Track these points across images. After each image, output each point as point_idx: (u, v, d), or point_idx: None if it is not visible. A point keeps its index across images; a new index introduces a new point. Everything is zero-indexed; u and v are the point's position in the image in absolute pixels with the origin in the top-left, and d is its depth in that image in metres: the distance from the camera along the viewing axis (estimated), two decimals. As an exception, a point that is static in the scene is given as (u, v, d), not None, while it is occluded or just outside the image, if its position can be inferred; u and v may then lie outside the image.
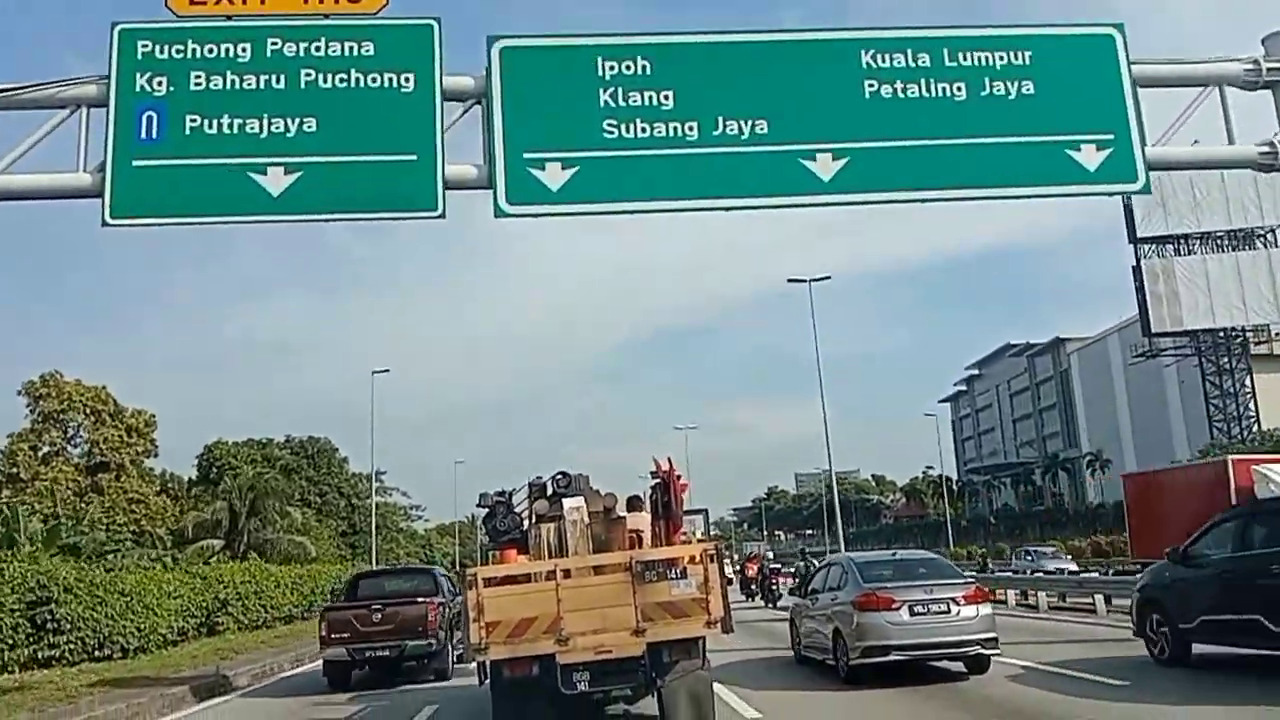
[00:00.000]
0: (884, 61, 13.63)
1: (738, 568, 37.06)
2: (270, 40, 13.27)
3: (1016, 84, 13.67)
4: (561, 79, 13.50)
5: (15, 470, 45.94)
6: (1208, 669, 12.21)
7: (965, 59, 13.70)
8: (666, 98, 13.34)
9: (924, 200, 13.79)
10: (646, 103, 13.31)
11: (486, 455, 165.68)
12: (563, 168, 13.17)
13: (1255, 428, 75.08)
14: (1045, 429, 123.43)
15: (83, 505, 42.30)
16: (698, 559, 9.62)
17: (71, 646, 20.29)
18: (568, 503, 10.54)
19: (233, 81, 13.21)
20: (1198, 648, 12.57)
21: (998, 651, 12.78)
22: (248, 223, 13.67)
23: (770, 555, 40.46)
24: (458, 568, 43.09)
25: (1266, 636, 10.93)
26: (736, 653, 15.98)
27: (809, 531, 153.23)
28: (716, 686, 11.39)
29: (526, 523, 11.08)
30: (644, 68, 13.43)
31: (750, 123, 13.34)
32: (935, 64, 13.64)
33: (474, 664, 10.14)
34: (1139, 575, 15.89)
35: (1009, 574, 36.39)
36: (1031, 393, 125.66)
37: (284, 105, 13.15)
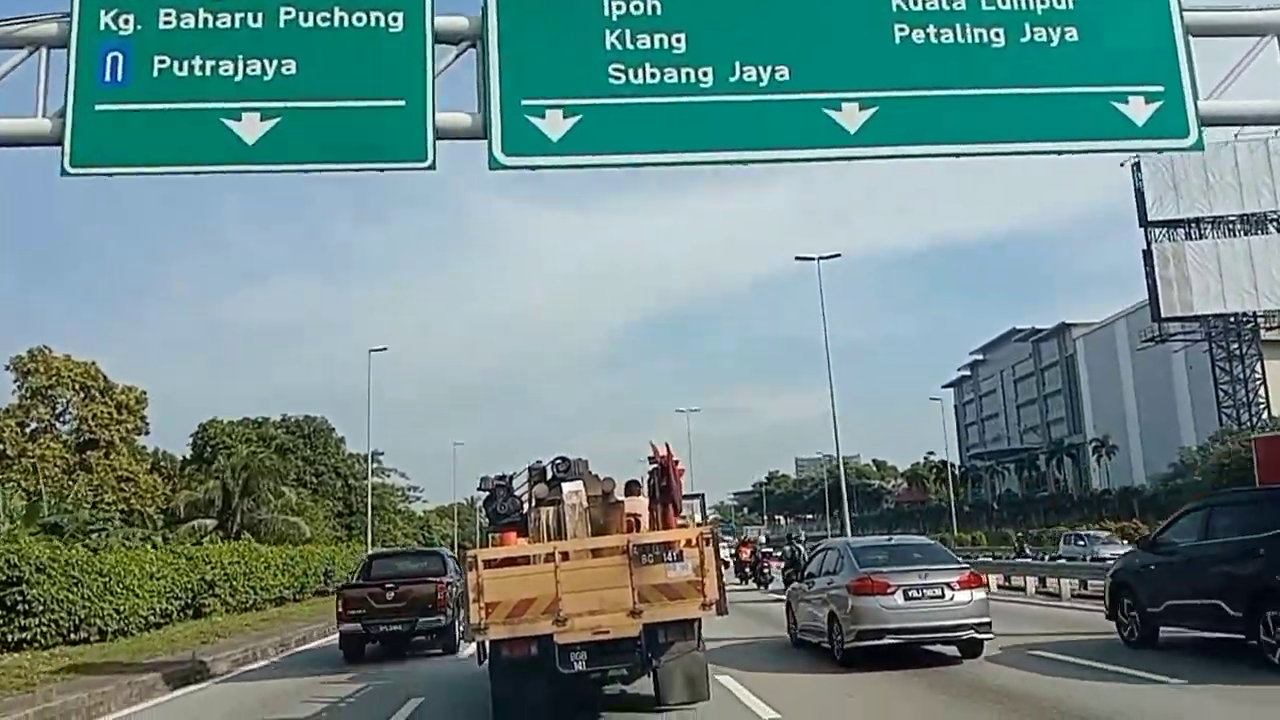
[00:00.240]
0: (916, 4, 12.42)
1: (733, 552, 37.18)
2: (247, -26, 12.14)
3: (1059, 30, 12.49)
4: (564, 19, 12.35)
5: (2, 447, 44.92)
6: (1173, 650, 12.73)
7: (1004, 3, 12.51)
8: (679, 41, 12.18)
9: (958, 154, 12.69)
10: (656, 46, 12.15)
11: (485, 439, 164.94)
12: (564, 116, 12.03)
13: (1265, 414, 74.12)
14: (1049, 415, 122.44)
15: (70, 483, 41.21)
16: (694, 543, 9.74)
17: (44, 629, 19.30)
18: (567, 487, 10.69)
19: (205, 20, 12.07)
20: (1165, 631, 13.11)
21: (990, 636, 12.89)
22: (219, 172, 12.56)
23: (763, 540, 41.38)
24: (458, 550, 42.33)
25: (1225, 621, 11.48)
26: (734, 636, 15.99)
27: (809, 516, 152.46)
28: (731, 683, 11.22)
29: (526, 506, 11.20)
30: (654, 8, 12.24)
31: (770, 69, 12.17)
32: (971, 8, 12.44)
33: (474, 643, 10.22)
34: (1113, 562, 17.10)
35: (1052, 560, 34.83)
36: (1036, 378, 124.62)
37: (261, 46, 12.02)
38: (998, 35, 12.41)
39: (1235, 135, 64.31)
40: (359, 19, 12.21)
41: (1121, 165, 77.14)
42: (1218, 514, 12.79)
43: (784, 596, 24.87)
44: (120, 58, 12.05)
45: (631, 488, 11.31)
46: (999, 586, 26.96)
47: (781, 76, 12.16)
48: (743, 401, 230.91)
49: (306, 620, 27.51)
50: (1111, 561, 20.40)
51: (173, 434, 71.39)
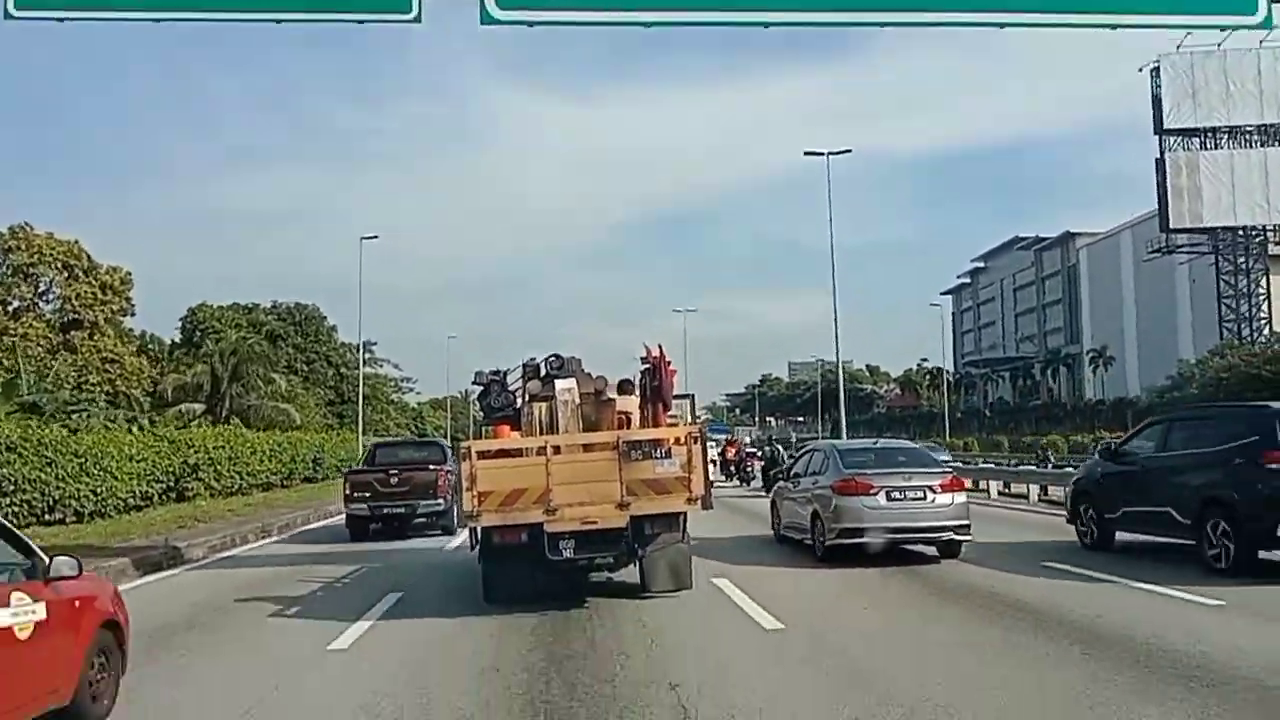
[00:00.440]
0: None
1: (719, 451, 37.81)
2: None
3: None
4: None
5: (-18, 325, 43.99)
6: (1127, 553, 13.35)
7: None
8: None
9: (999, 24, 11.48)
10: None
11: (481, 332, 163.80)
12: (563, -35, 10.88)
13: (1267, 329, 73.50)
14: (1047, 325, 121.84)
15: (53, 363, 40.33)
16: (682, 441, 9.98)
17: (16, 509, 18.63)
18: (559, 384, 10.86)
19: None
20: (1120, 536, 13.76)
21: (969, 538, 13.17)
22: (179, 20, 11.37)
23: (748, 440, 42.49)
24: (452, 441, 41.99)
25: (1174, 526, 12.25)
26: (720, 532, 16.26)
27: (800, 419, 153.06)
28: (728, 588, 10.75)
29: (519, 401, 11.35)
30: None
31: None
32: None
33: (467, 529, 10.55)
34: (1075, 470, 18.03)
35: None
36: (1037, 287, 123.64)
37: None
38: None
39: (1260, 41, 62.02)
40: None
41: (1140, 70, 75.03)
42: (1176, 428, 13.45)
43: (763, 493, 26.77)
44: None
45: (624, 386, 11.34)
46: (999, 493, 26.98)
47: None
48: (739, 304, 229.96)
49: (291, 507, 27.03)
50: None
51: (163, 319, 70.43)
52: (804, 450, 17.98)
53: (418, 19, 10.97)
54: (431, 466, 19.39)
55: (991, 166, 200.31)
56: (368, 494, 18.92)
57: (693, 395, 14.30)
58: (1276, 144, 72.60)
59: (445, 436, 70.05)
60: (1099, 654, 7.41)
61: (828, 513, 13.24)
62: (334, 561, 15.09)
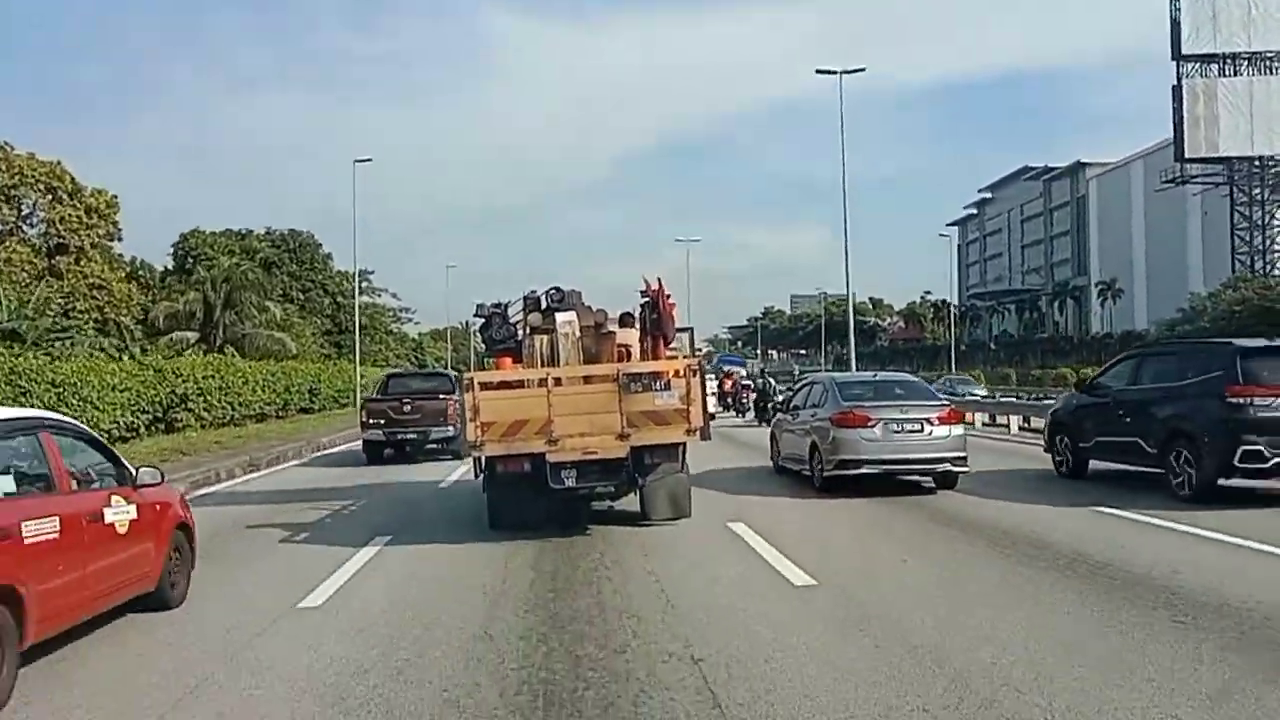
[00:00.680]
0: None
1: (717, 383, 38.28)
2: None
3: None
4: None
5: (-38, 250, 42.56)
6: (1099, 480, 13.95)
7: None
8: None
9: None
10: None
11: (480, 264, 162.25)
12: None
13: (1280, 261, 72.24)
14: (1054, 257, 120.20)
15: (38, 287, 39.01)
16: (681, 373, 10.07)
17: (-14, 440, 17.58)
18: (560, 316, 10.94)
19: None
20: (1093, 465, 14.38)
21: (966, 469, 13.29)
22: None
23: (743, 373, 42.59)
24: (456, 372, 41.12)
25: (1143, 455, 12.80)
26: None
27: (803, 351, 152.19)
28: (753, 539, 9.75)
29: (521, 334, 11.40)
30: None
31: None
32: None
33: (471, 458, 10.70)
34: (1054, 401, 19.13)
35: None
36: (1044, 218, 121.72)
37: None
38: None
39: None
40: None
41: (1161, -6, 72.83)
42: (1147, 362, 14.05)
43: (754, 422, 29.99)
44: None
45: (624, 319, 11.43)
46: (983, 424, 27.89)
47: None
48: (742, 236, 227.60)
49: (283, 439, 26.08)
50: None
51: (156, 248, 68.85)
52: (803, 383, 18.10)
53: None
54: (441, 396, 20.49)
55: (1000, 97, 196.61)
56: (383, 421, 20.37)
57: (692, 328, 14.04)
58: (1298, 71, 70.52)
59: (446, 368, 69.19)
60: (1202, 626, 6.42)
61: (826, 444, 13.39)
62: (319, 499, 14.10)
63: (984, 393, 42.00)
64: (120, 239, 48.99)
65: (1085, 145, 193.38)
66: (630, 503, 10.95)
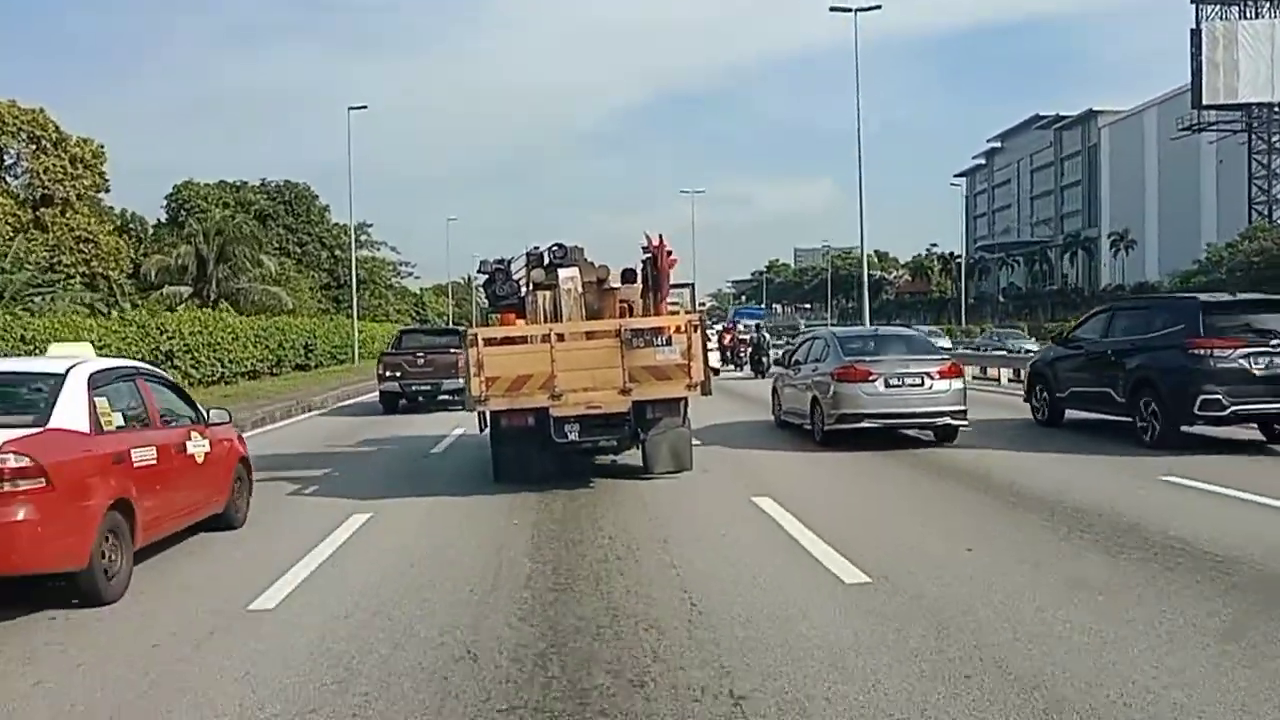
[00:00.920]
0: None
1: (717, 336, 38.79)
2: None
3: None
4: None
5: (-58, 201, 41.01)
6: (1074, 428, 14.76)
7: None
8: None
9: None
10: None
11: (482, 218, 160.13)
12: None
13: (1297, 212, 70.48)
14: (1065, 207, 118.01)
15: (25, 242, 37.57)
16: (682, 329, 10.19)
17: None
18: (563, 273, 10.96)
19: None
20: (1068, 414, 15.12)
21: (965, 423, 13.49)
22: None
23: (741, 328, 44.28)
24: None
25: (1113, 405, 13.55)
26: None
27: (807, 305, 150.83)
28: (785, 518, 8.45)
29: (523, 290, 11.42)
30: None
31: None
32: None
33: (475, 412, 10.76)
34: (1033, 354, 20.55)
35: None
36: (1055, 168, 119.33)
37: None
38: None
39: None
40: None
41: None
42: (1118, 316, 14.65)
43: (750, 375, 31.28)
44: None
45: (626, 275, 11.48)
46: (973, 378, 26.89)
47: None
48: (746, 188, 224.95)
49: (271, 398, 24.85)
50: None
51: (152, 202, 67.19)
52: (805, 337, 18.24)
53: None
54: (452, 350, 21.20)
55: (1012, 44, 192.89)
56: (398, 373, 21.95)
57: (693, 284, 14.03)
58: (1324, 13, 68.29)
59: (448, 323, 67.99)
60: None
61: (827, 399, 13.49)
62: (299, 466, 12.85)
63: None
64: (108, 190, 47.44)
65: (1098, 94, 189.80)
66: (638, 472, 10.86)
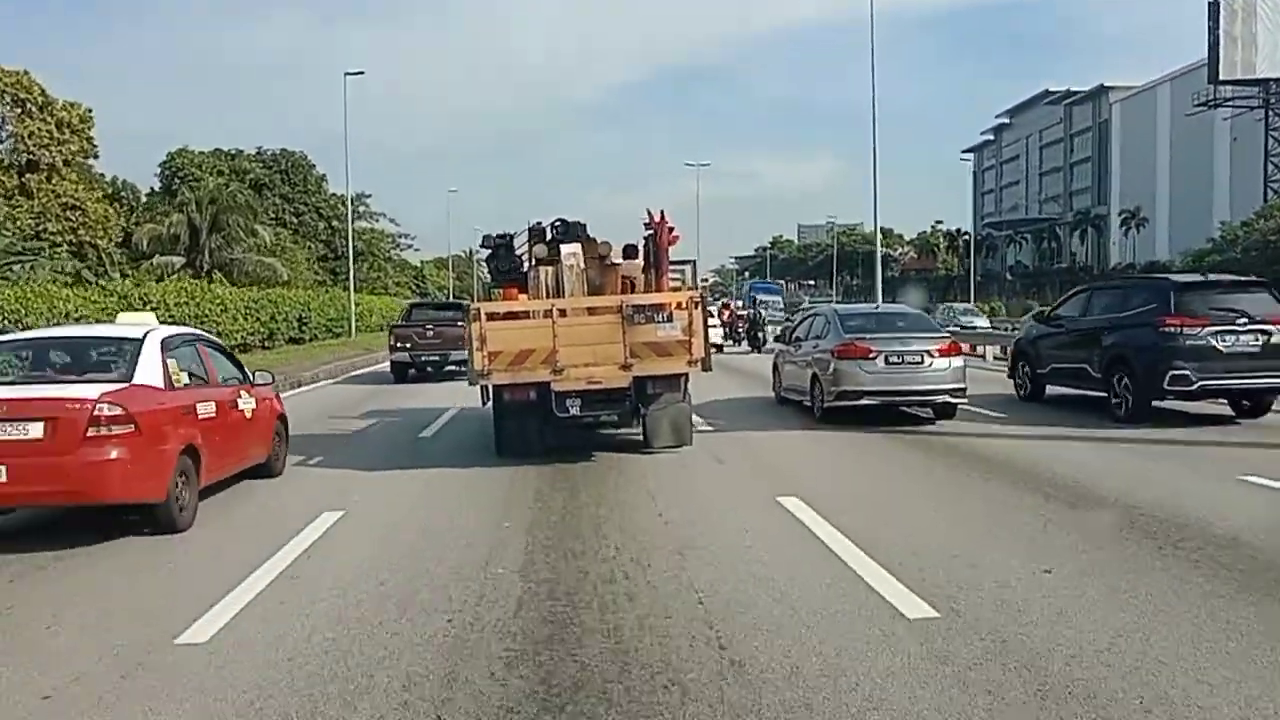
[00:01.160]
0: None
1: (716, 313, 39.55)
2: None
3: None
4: None
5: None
6: (1054, 403, 15.27)
7: None
8: None
9: None
10: None
11: (480, 190, 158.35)
12: None
13: (1316, 190, 69.02)
14: (1074, 185, 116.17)
15: (10, 209, 36.28)
16: (684, 305, 10.24)
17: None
18: (565, 248, 11.01)
19: None
20: (1049, 390, 15.65)
21: (964, 401, 13.60)
22: None
23: (740, 304, 45.15)
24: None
25: (1090, 380, 14.07)
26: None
27: (811, 282, 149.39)
28: (823, 529, 7.18)
29: (526, 265, 11.61)
30: None
31: None
32: None
33: (478, 386, 10.75)
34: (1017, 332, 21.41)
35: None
36: (1065, 144, 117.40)
37: None
38: None
39: None
40: None
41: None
42: (1096, 295, 15.27)
43: (747, 350, 32.13)
44: None
45: (628, 251, 11.61)
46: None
47: None
48: (749, 164, 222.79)
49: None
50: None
51: (147, 171, 65.67)
52: (805, 314, 18.49)
53: None
54: (459, 324, 21.56)
55: (1020, 19, 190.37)
56: (408, 344, 23.14)
57: (694, 261, 13.58)
58: (1347, -15, 66.60)
59: (449, 297, 66.82)
60: None
61: (827, 376, 13.58)
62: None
63: (985, 323, 40.98)
64: (97, 156, 46.03)
65: (1109, 70, 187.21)
66: (643, 462, 10.42)
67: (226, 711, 4.15)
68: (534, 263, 11.35)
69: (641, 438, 11.03)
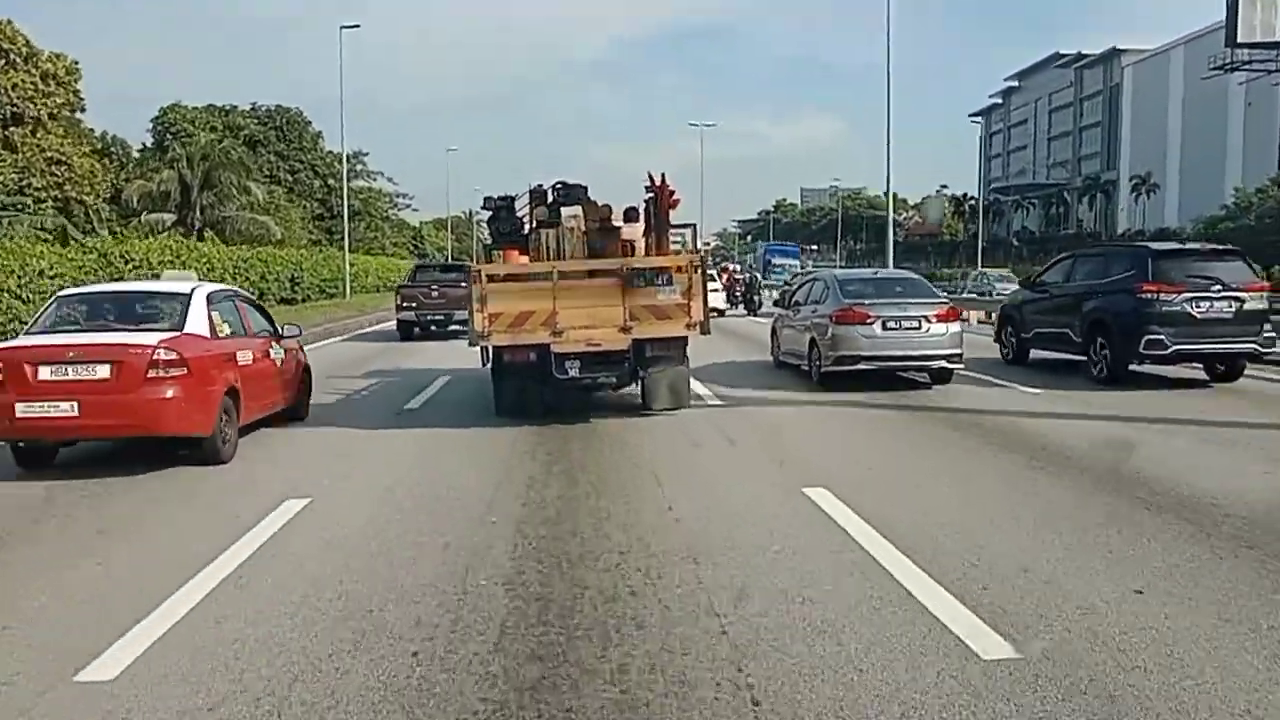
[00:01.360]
0: None
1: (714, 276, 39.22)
2: None
3: None
4: None
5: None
6: (1038, 366, 15.60)
7: None
8: None
9: None
10: None
11: (479, 148, 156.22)
12: None
13: (1333, 158, 67.45)
14: (1083, 149, 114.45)
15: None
16: (684, 269, 10.37)
17: None
18: (566, 211, 11.10)
19: None
20: (1033, 353, 16.07)
21: (961, 366, 13.66)
22: None
23: (737, 268, 45.94)
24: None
25: (1071, 344, 14.53)
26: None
27: (814, 246, 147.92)
28: (861, 530, 6.14)
29: (527, 227, 11.59)
30: None
31: None
32: None
33: (479, 347, 10.87)
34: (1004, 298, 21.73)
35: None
36: (1074, 109, 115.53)
37: None
38: None
39: None
40: None
41: None
42: (1079, 262, 15.55)
43: (742, 313, 32.62)
44: None
45: (629, 215, 11.53)
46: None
47: None
48: (752, 126, 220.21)
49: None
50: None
51: (137, 126, 64.24)
52: (804, 279, 18.60)
53: None
54: (463, 285, 22.56)
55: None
56: (414, 304, 24.20)
57: (695, 225, 13.21)
58: (1373, -56, 64.75)
59: (448, 259, 65.77)
60: None
61: (825, 340, 13.63)
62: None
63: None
64: (84, 110, 44.68)
65: (1121, 31, 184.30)
66: (648, 447, 9.58)
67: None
68: (535, 225, 11.33)
69: (640, 400, 11.11)
